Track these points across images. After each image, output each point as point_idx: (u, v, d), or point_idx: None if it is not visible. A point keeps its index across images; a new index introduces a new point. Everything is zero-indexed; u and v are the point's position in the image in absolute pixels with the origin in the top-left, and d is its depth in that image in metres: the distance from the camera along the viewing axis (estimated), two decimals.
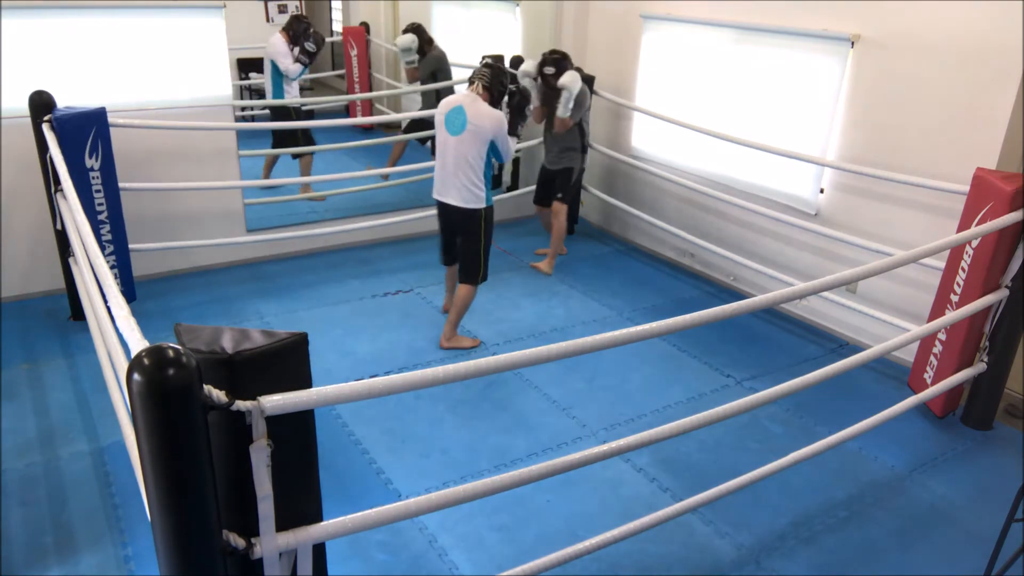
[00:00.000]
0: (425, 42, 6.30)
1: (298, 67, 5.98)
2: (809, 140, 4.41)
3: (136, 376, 1.38)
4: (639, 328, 2.07)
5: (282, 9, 8.65)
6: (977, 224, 3.25)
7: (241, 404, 1.50)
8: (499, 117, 3.78)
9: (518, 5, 6.16)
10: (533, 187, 5.49)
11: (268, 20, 8.65)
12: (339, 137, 7.27)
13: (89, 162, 3.94)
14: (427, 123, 6.42)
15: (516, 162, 6.14)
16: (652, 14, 5.26)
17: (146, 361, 1.38)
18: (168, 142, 4.58)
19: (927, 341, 3.64)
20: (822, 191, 4.41)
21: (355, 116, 8.36)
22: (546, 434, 3.44)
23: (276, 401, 1.54)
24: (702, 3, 4.91)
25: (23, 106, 3.88)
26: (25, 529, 2.74)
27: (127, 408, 2.13)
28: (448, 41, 6.69)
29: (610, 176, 6.00)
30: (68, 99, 4.02)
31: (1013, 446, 3.51)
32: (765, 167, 4.68)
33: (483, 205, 3.90)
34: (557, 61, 4.85)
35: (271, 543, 1.65)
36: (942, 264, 3.55)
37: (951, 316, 3.24)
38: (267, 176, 6.22)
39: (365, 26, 8.23)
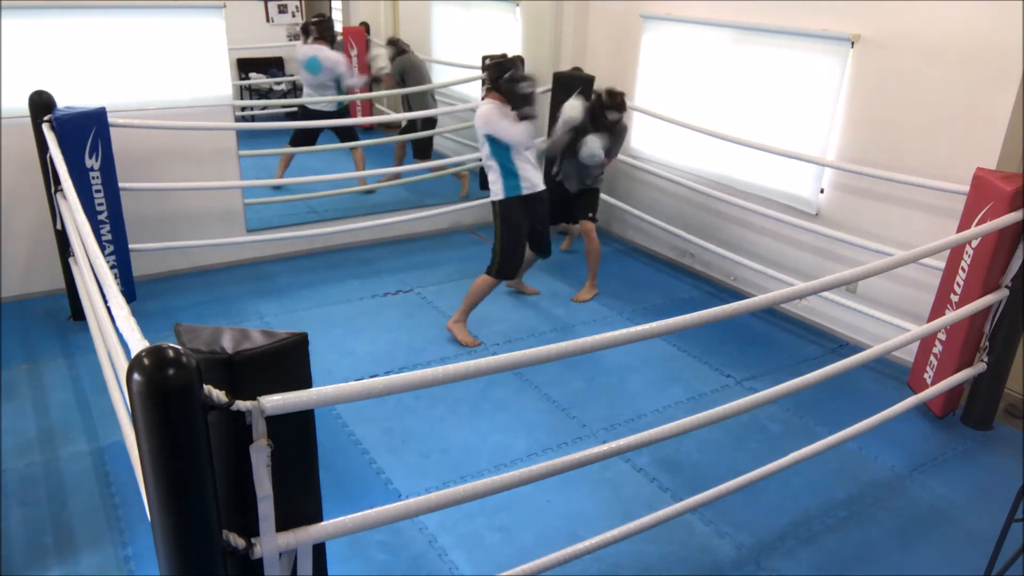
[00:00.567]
0: (398, 52, 6.60)
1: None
2: (809, 140, 4.41)
3: (136, 376, 1.38)
4: (639, 328, 2.07)
5: (282, 9, 8.64)
6: (977, 224, 3.24)
7: (241, 404, 1.50)
8: (482, 113, 3.87)
9: (518, 5, 6.16)
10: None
11: (268, 20, 8.64)
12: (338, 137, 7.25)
13: (89, 162, 3.94)
14: (427, 123, 6.45)
15: None
16: (652, 14, 5.26)
17: (146, 361, 1.38)
18: (168, 142, 4.59)
19: (927, 341, 3.64)
20: (822, 191, 4.41)
21: (355, 116, 8.35)
22: (546, 434, 3.45)
23: (276, 401, 1.55)
24: (702, 3, 4.91)
25: (23, 106, 3.89)
26: (25, 529, 2.74)
27: (127, 408, 2.13)
28: (448, 41, 6.67)
29: (610, 176, 5.98)
30: (68, 99, 4.02)
31: (1013, 446, 3.51)
32: (765, 167, 4.68)
33: (498, 197, 4.01)
34: (621, 105, 4.47)
35: (271, 543, 1.65)
36: (942, 264, 3.55)
37: (951, 316, 3.24)
38: (281, 176, 6.21)
39: (365, 26, 8.22)
